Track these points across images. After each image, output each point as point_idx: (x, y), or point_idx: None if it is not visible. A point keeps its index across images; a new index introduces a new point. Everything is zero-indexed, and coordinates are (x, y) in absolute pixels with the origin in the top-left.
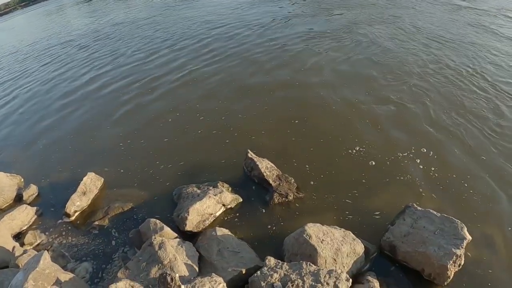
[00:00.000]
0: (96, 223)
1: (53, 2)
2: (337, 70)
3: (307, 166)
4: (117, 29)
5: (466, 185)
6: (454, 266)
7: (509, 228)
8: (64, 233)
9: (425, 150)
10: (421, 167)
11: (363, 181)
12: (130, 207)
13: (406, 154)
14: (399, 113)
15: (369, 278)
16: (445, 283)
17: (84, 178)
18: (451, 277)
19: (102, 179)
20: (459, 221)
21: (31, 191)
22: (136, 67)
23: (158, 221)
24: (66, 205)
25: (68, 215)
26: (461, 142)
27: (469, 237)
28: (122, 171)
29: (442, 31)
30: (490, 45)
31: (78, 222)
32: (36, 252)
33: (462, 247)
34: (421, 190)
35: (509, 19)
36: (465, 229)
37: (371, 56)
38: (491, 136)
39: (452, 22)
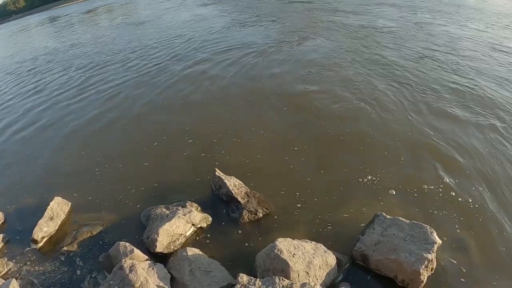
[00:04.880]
0: (65, 248)
1: (19, 22)
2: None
3: (274, 181)
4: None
5: (431, 190)
6: (427, 270)
7: (478, 228)
8: (32, 260)
9: (389, 157)
10: (387, 175)
11: (331, 193)
12: (99, 231)
13: (370, 162)
14: (359, 119)
15: None
16: None
17: (51, 203)
18: (424, 281)
19: (70, 204)
20: (428, 226)
21: None
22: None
23: (128, 244)
24: (33, 231)
25: (36, 242)
26: (422, 148)
27: (439, 241)
28: (89, 194)
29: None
30: None
31: (46, 248)
32: (3, 281)
33: (433, 251)
34: (389, 198)
35: None
36: (435, 234)
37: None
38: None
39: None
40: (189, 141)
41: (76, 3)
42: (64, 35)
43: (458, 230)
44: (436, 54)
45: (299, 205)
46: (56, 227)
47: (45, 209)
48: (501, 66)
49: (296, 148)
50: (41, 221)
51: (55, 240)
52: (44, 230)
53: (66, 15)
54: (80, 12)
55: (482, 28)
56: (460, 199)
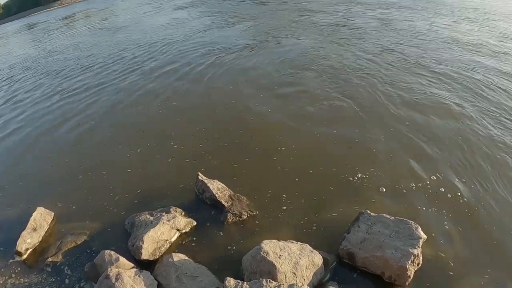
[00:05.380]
0: (50, 259)
1: None
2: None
3: (258, 183)
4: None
5: (416, 186)
6: (413, 265)
7: (464, 222)
8: (17, 272)
9: (370, 156)
10: (370, 172)
11: (315, 193)
12: (83, 240)
13: (357, 161)
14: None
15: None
16: (407, 283)
17: (34, 214)
18: (411, 277)
19: (53, 213)
20: (413, 222)
21: None
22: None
23: (113, 253)
24: (17, 243)
25: (20, 254)
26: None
27: (424, 236)
28: (73, 203)
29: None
30: None
31: (31, 260)
32: None
33: (419, 246)
34: (372, 195)
35: None
36: (420, 229)
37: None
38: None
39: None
40: (174, 146)
41: (54, 9)
42: (42, 42)
43: (445, 225)
44: (402, 47)
45: (285, 207)
46: (40, 238)
47: (28, 220)
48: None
49: (283, 149)
50: (24, 233)
51: (39, 251)
52: (27, 241)
53: (44, 22)
54: (58, 19)
55: (448, 22)
56: (445, 194)
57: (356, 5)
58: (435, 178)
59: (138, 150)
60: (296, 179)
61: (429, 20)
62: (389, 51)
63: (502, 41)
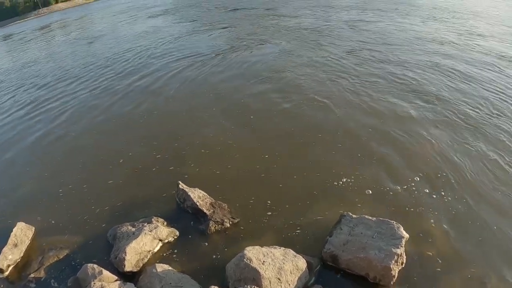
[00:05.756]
0: (32, 275)
1: None
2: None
3: (245, 190)
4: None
5: (398, 188)
6: (397, 265)
7: (442, 218)
8: None
9: (346, 160)
10: (355, 176)
11: (300, 198)
12: (65, 254)
13: (341, 164)
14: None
15: None
16: (391, 283)
17: (14, 229)
18: (396, 276)
19: (33, 228)
20: (394, 222)
21: None
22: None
23: (95, 266)
24: None
25: (2, 271)
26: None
27: (406, 235)
28: (53, 217)
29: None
30: None
31: (13, 276)
32: None
33: (402, 246)
34: (353, 198)
35: None
36: (402, 228)
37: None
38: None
39: None
40: (157, 156)
41: (31, 19)
42: (17, 54)
43: (427, 224)
44: (372, 47)
45: (269, 213)
46: (22, 254)
47: (9, 236)
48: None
49: (267, 156)
50: (5, 249)
51: (21, 267)
52: (9, 258)
53: (20, 33)
54: (34, 29)
55: (417, 22)
56: (430, 194)
57: (327, 8)
58: (418, 179)
59: (121, 161)
60: (280, 185)
61: (398, 20)
62: (357, 52)
63: (467, 38)
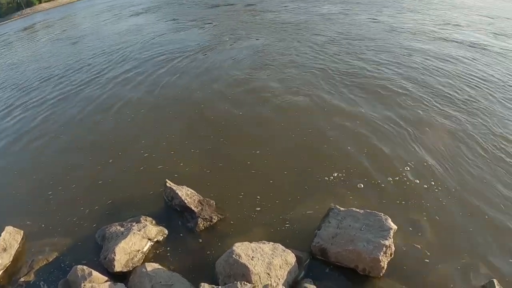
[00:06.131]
0: (22, 279)
1: None
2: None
3: (226, 186)
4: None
5: (387, 180)
6: (386, 256)
7: (431, 209)
8: None
9: (336, 153)
10: (336, 168)
11: (284, 192)
12: (55, 256)
13: (328, 159)
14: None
15: (306, 285)
16: (381, 274)
17: (2, 234)
18: (385, 267)
19: (22, 232)
20: (382, 214)
21: None
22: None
23: (85, 267)
24: None
25: None
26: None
27: (394, 227)
28: (42, 219)
29: None
30: None
31: (3, 281)
32: None
33: (390, 237)
34: (341, 190)
35: None
36: (389, 220)
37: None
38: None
39: None
40: (145, 155)
41: (14, 20)
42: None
43: (416, 215)
44: (347, 40)
45: (258, 208)
46: (11, 258)
47: None
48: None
49: (258, 152)
50: None
51: (11, 271)
52: None
53: (2, 34)
54: (18, 30)
55: (393, 13)
56: (415, 185)
57: (304, 3)
58: (408, 169)
59: (110, 161)
60: (271, 181)
61: (375, 13)
62: (335, 44)
63: (443, 28)
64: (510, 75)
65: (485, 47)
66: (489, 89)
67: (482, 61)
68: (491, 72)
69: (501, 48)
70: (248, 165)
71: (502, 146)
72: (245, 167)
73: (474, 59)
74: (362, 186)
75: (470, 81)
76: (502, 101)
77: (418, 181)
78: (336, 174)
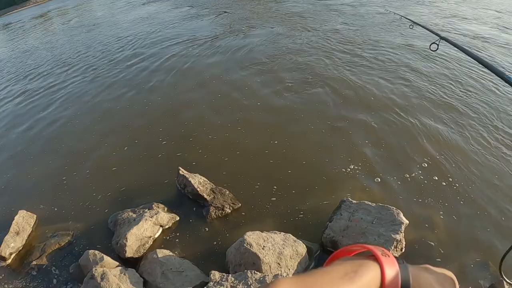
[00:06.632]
0: (34, 263)
1: None
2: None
3: (239, 175)
4: None
5: (400, 173)
6: (396, 251)
7: (444, 205)
8: (1, 278)
9: (353, 146)
10: (349, 160)
11: (297, 183)
12: (67, 241)
13: (335, 150)
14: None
15: None
16: None
17: (16, 217)
18: None
19: (35, 216)
20: (394, 208)
21: None
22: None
23: (97, 252)
24: (0, 248)
25: (4, 259)
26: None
27: (406, 221)
28: (55, 204)
29: None
30: None
31: (15, 264)
32: None
33: (401, 232)
34: (357, 183)
35: None
36: (401, 214)
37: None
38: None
39: None
40: (163, 142)
41: (28, 7)
42: (14, 43)
43: (424, 209)
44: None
45: (273, 198)
46: (24, 242)
47: (10, 224)
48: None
49: (276, 142)
50: (7, 237)
51: (23, 255)
52: (11, 246)
53: (17, 22)
54: (32, 17)
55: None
56: (433, 182)
57: None
58: (426, 165)
59: (125, 148)
60: (289, 171)
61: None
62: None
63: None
64: None
65: None
66: None
67: None
68: None
69: None
70: (266, 154)
71: None
72: (264, 157)
73: None
74: (379, 180)
75: None
76: None
77: (436, 178)
78: (352, 167)
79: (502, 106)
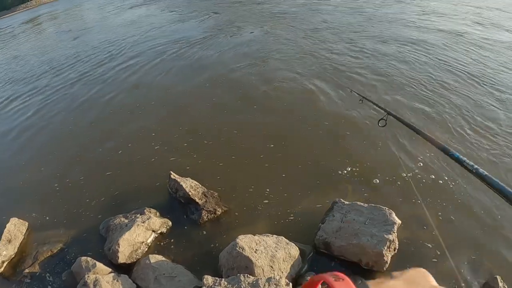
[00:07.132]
0: (27, 270)
1: None
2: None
3: (237, 179)
4: None
5: (391, 174)
6: (389, 251)
7: (436, 205)
8: None
9: (350, 148)
10: (341, 162)
11: (294, 185)
12: (59, 248)
13: (328, 153)
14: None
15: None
16: (384, 268)
17: (8, 225)
18: (388, 262)
19: (27, 223)
20: (386, 208)
21: None
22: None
23: (89, 259)
24: None
25: None
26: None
27: (398, 221)
28: (47, 211)
29: None
30: None
31: (7, 273)
32: None
33: (394, 232)
34: (345, 184)
35: None
36: (394, 214)
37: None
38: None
39: None
40: (156, 147)
41: (19, 12)
42: (3, 49)
43: (416, 209)
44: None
45: (266, 201)
46: (16, 250)
47: (2, 232)
48: None
49: (272, 145)
50: None
51: (15, 263)
52: (3, 254)
53: (7, 27)
54: (23, 22)
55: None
56: (428, 182)
57: None
58: (421, 165)
59: (119, 152)
60: (283, 175)
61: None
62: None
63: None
64: None
65: None
66: None
67: None
68: None
69: None
70: (261, 158)
71: None
72: (259, 160)
73: None
74: (372, 181)
75: None
76: None
77: (429, 178)
78: (349, 169)
79: None
